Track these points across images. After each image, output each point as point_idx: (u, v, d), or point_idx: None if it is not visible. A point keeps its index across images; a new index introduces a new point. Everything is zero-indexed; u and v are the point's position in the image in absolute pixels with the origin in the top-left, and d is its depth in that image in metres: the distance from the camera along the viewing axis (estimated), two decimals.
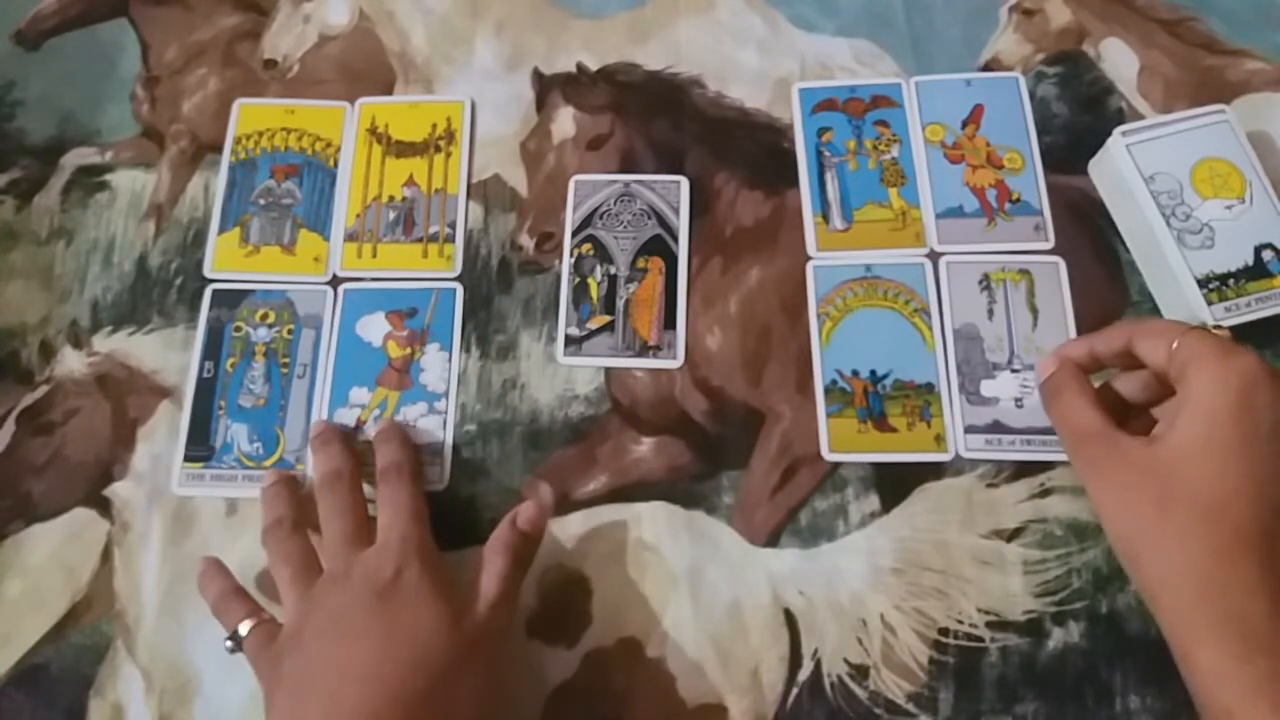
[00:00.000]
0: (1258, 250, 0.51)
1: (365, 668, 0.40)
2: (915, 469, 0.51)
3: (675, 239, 0.56)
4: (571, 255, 0.56)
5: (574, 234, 0.56)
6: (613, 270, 0.55)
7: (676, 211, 0.57)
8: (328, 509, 0.46)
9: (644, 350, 0.54)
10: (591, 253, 0.56)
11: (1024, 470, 0.51)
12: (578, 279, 0.55)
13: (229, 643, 0.44)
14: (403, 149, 0.60)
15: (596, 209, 0.57)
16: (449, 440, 0.52)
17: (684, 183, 0.57)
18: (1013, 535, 0.50)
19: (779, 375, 0.53)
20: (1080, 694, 0.47)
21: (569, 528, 0.50)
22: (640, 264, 0.55)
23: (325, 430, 0.50)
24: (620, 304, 0.55)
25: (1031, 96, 0.60)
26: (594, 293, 0.55)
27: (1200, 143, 0.53)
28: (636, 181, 0.57)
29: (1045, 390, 0.48)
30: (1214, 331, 0.43)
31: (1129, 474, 0.41)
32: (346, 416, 0.53)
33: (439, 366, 0.54)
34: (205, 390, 0.53)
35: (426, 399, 0.53)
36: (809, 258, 0.56)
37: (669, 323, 0.54)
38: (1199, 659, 0.37)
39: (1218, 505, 0.38)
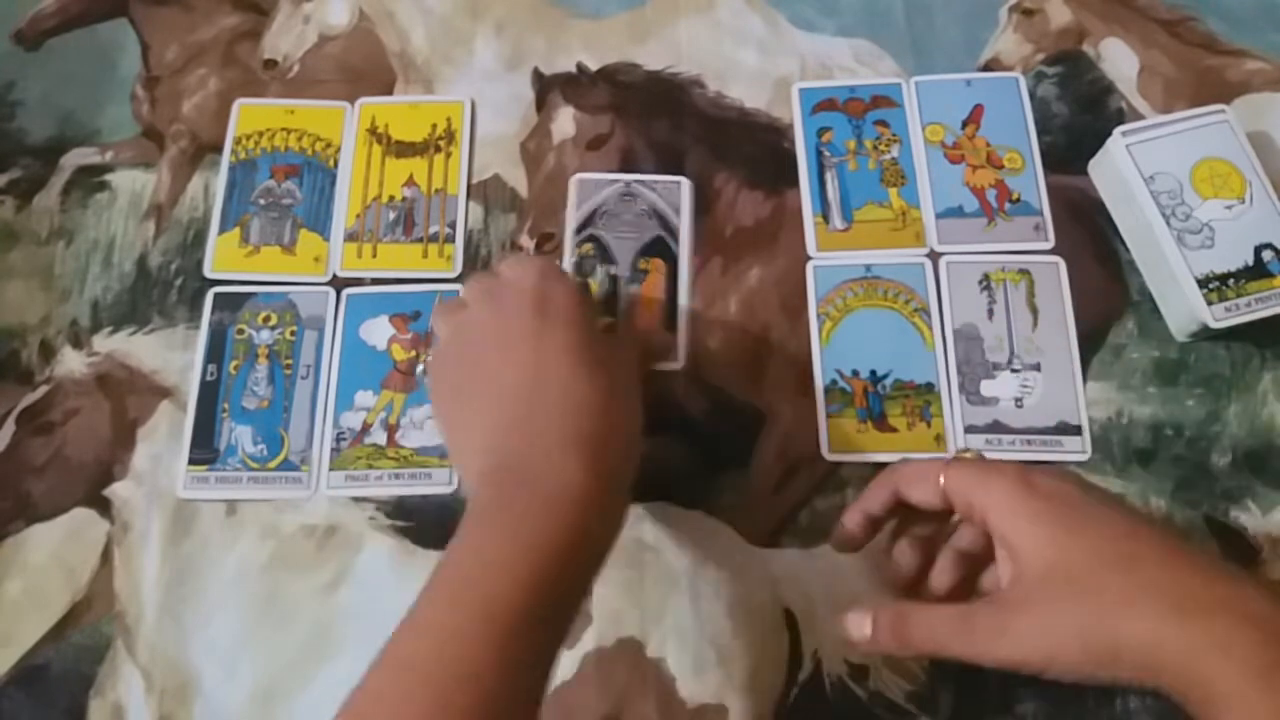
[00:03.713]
0: (1258, 250, 0.51)
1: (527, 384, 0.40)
2: None
3: (677, 240, 0.56)
4: (573, 255, 0.56)
5: (575, 233, 0.56)
6: (614, 271, 0.55)
7: (678, 212, 0.56)
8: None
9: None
10: (593, 253, 0.55)
11: None
12: (579, 279, 0.55)
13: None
14: (403, 149, 0.60)
15: (598, 208, 0.56)
16: None
17: (685, 184, 0.57)
18: None
19: (779, 375, 0.53)
20: (1080, 694, 0.47)
21: None
22: (642, 265, 0.55)
23: None
24: (622, 305, 0.54)
25: (1031, 96, 0.60)
26: (595, 293, 0.55)
27: (1200, 143, 0.53)
28: (638, 181, 0.57)
29: (886, 643, 0.40)
30: (966, 457, 0.43)
31: (1033, 628, 0.37)
32: (352, 420, 0.53)
33: None
34: (208, 393, 0.53)
35: None
36: (809, 258, 0.56)
37: (670, 324, 0.54)
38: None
39: (1119, 555, 0.36)
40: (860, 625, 0.40)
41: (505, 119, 0.61)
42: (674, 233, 0.56)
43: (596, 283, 0.54)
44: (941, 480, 0.40)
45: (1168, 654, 0.34)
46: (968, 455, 0.49)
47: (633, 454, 0.41)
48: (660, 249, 0.56)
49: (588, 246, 0.56)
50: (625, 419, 0.41)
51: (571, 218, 0.56)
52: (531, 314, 0.41)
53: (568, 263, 0.55)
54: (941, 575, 0.42)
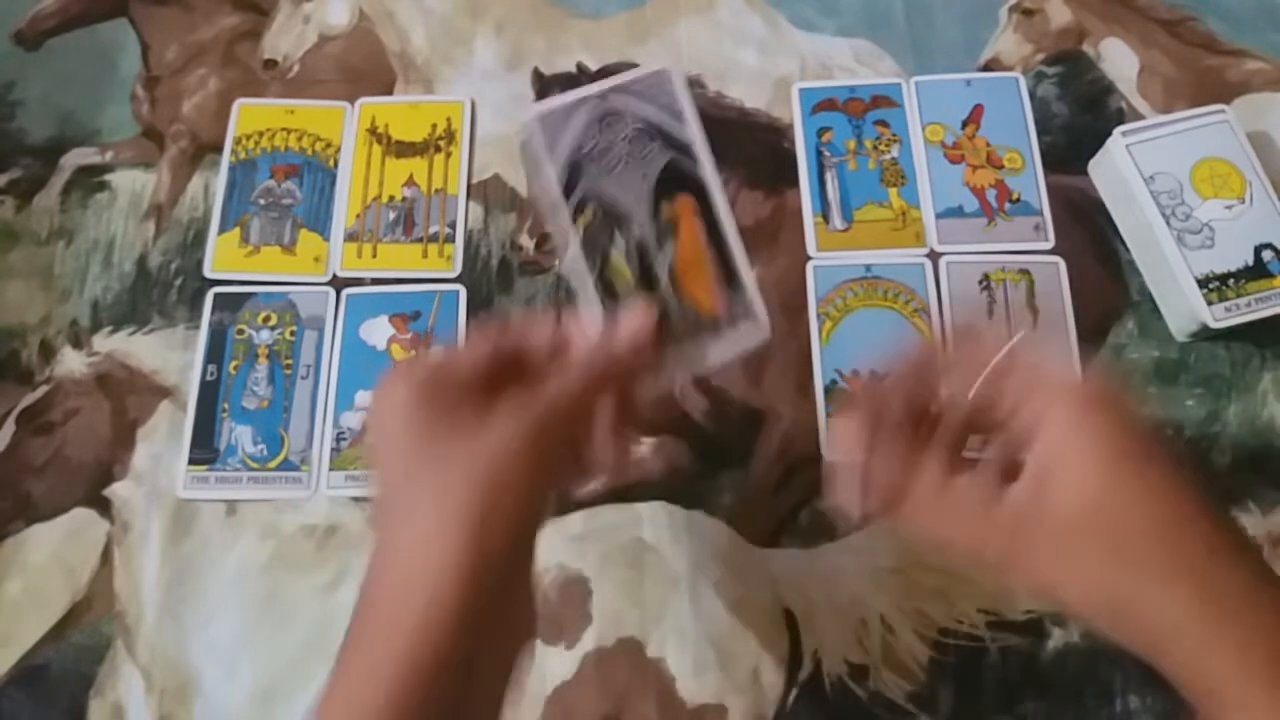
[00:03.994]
0: (1258, 250, 0.51)
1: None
2: None
3: (694, 158, 0.38)
4: (576, 227, 0.37)
5: (565, 194, 0.37)
6: (635, 232, 0.37)
7: (680, 118, 0.39)
8: None
9: (715, 329, 0.38)
10: (600, 217, 0.37)
11: None
12: (600, 262, 0.37)
13: None
14: (403, 149, 0.60)
15: (576, 149, 0.38)
16: None
17: (672, 74, 0.39)
18: None
19: (779, 375, 0.53)
20: (1080, 694, 0.47)
21: (569, 528, 0.50)
22: (666, 213, 0.38)
23: None
24: (664, 279, 0.38)
25: (1031, 96, 0.60)
26: (625, 274, 0.37)
27: (1200, 143, 0.53)
28: (614, 90, 0.38)
29: (880, 504, 0.36)
30: (1022, 354, 0.38)
31: (1055, 563, 0.35)
32: (352, 420, 0.53)
33: None
34: (208, 393, 0.53)
35: None
36: (809, 258, 0.56)
37: (730, 279, 0.38)
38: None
39: (1155, 488, 0.36)
40: (849, 484, 0.35)
41: (505, 119, 0.61)
42: (687, 150, 0.38)
43: (621, 256, 0.37)
44: (986, 376, 0.36)
45: (1183, 644, 0.34)
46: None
47: (520, 515, 0.36)
48: (679, 178, 0.38)
49: (588, 213, 0.37)
50: (501, 487, 0.36)
51: (550, 174, 0.37)
52: (394, 433, 0.37)
53: (573, 244, 0.37)
54: (934, 474, 0.36)
